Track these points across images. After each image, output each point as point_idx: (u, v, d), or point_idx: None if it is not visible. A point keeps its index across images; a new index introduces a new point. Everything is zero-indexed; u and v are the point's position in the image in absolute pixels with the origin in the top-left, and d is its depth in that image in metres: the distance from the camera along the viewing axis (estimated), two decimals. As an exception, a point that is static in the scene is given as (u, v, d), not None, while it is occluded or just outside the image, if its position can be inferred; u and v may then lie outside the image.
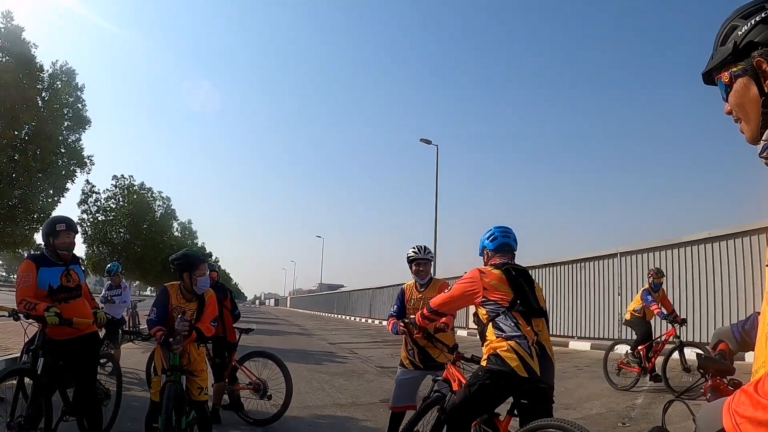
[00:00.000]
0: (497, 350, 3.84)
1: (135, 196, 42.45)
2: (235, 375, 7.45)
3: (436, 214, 36.16)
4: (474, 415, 3.99)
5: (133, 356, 10.97)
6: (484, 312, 4.10)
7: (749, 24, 1.42)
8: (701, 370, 2.08)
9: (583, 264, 19.23)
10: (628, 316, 11.02)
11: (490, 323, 4.01)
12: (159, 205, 45.94)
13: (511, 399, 3.96)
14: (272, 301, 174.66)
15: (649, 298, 10.37)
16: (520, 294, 4.04)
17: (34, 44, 16.51)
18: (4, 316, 5.20)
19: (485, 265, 4.47)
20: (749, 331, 2.22)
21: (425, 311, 4.66)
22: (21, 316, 4.99)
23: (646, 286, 10.71)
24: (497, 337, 3.90)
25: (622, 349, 10.96)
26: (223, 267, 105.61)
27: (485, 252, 4.58)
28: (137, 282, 50.04)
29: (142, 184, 44.58)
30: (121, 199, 42.32)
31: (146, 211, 42.90)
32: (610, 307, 17.51)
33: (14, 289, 5.40)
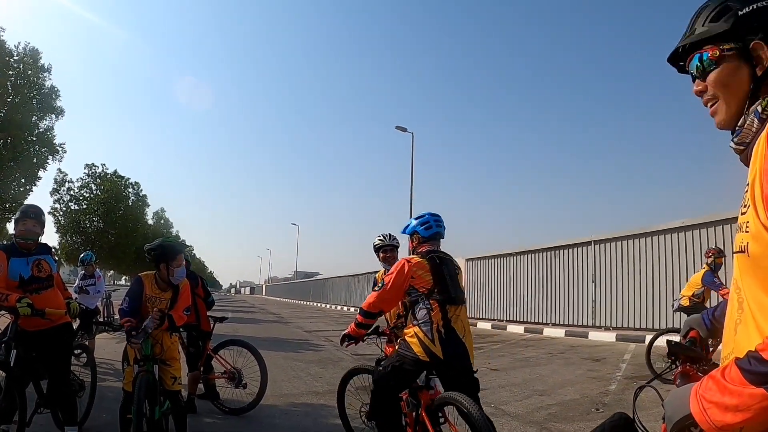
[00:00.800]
0: (405, 336, 4.35)
1: (108, 184, 42.09)
2: (209, 364, 7.43)
3: (411, 201, 36.24)
4: (392, 390, 4.42)
5: (108, 347, 10.90)
6: (409, 298, 4.48)
7: (750, 7, 1.42)
8: (672, 357, 2.10)
9: (557, 252, 19.37)
10: (685, 302, 9.82)
11: (411, 309, 4.49)
12: (130, 192, 45.56)
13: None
14: (248, 289, 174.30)
15: (716, 281, 9.35)
16: (440, 282, 4.38)
17: (1, 27, 16.24)
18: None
19: (413, 249, 4.80)
20: (719, 318, 2.25)
21: (358, 318, 4.69)
22: (-8, 307, 4.94)
23: (705, 267, 9.65)
24: (410, 323, 4.43)
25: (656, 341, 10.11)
26: (197, 255, 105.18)
27: (416, 237, 4.76)
28: (111, 271, 49.86)
29: (115, 171, 44.25)
30: (94, 187, 41.94)
31: (119, 199, 42.58)
32: (585, 294, 17.67)
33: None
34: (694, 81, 1.61)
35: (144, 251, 5.51)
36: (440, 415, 4.31)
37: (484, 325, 20.91)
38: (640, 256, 15.73)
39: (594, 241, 17.56)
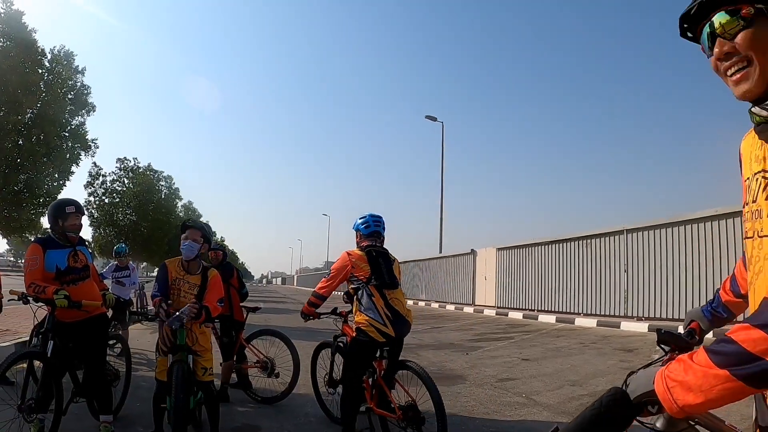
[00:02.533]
0: (360, 326, 5.25)
1: (141, 178, 42.44)
2: (243, 353, 7.50)
3: (442, 191, 36.21)
4: (359, 370, 5.34)
5: (142, 337, 11.03)
6: (352, 286, 5.49)
7: None
8: (661, 345, 2.10)
9: (589, 241, 19.10)
10: None
11: (355, 296, 5.44)
12: (162, 185, 45.86)
13: None
14: (279, 279, 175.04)
15: None
16: (375, 270, 5.36)
17: (34, 29, 16.50)
18: (14, 299, 5.25)
19: (357, 244, 5.78)
20: (718, 310, 2.26)
21: (311, 298, 5.89)
22: (30, 299, 5.03)
23: None
24: (358, 310, 5.35)
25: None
26: (230, 247, 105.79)
27: (358, 234, 5.82)
28: (144, 263, 50.19)
29: (149, 165, 44.59)
30: (126, 181, 42.33)
31: (152, 193, 42.90)
32: (617, 284, 17.46)
33: (22, 274, 5.43)
34: (712, 43, 1.49)
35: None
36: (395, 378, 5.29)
37: (516, 315, 20.81)
38: (672, 245, 15.49)
39: (626, 230, 17.29)
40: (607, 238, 18.25)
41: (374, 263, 5.41)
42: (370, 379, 5.43)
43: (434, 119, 36.52)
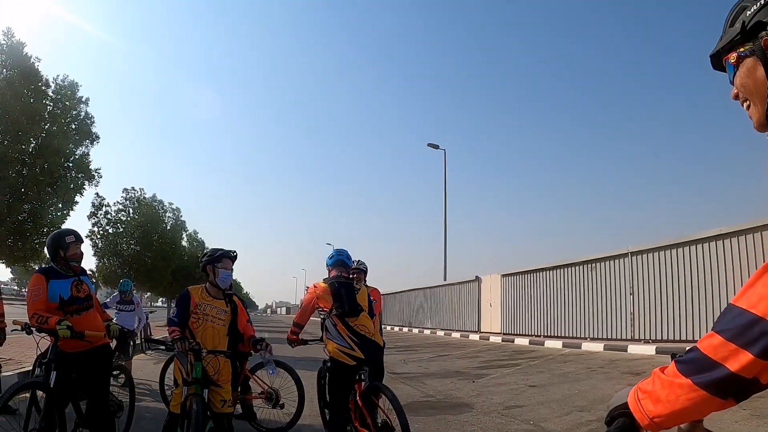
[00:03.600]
0: (331, 354, 5.75)
1: (146, 209, 42.48)
2: (247, 384, 7.45)
3: (446, 219, 36.23)
4: (341, 393, 5.71)
5: (146, 367, 10.99)
6: (319, 316, 6.10)
7: (758, 4, 1.37)
8: None
9: (594, 264, 19.10)
10: None
11: (323, 325, 5.98)
12: (169, 217, 45.88)
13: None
14: (283, 309, 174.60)
15: None
16: (337, 301, 5.81)
17: (37, 58, 16.63)
18: (17, 330, 5.23)
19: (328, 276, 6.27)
20: None
21: (292, 327, 6.58)
22: (33, 329, 5.00)
23: None
24: (327, 338, 5.87)
25: None
26: (234, 276, 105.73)
27: (328, 268, 6.40)
28: (148, 293, 50.10)
29: (154, 195, 44.64)
30: (131, 211, 42.36)
31: (157, 223, 42.90)
32: (623, 307, 17.40)
33: (26, 303, 5.42)
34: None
35: (179, 269, 5.62)
36: (372, 398, 5.64)
37: (522, 341, 20.71)
38: (677, 266, 15.46)
39: (630, 252, 17.28)
40: (611, 262, 18.25)
41: (336, 294, 5.88)
42: (354, 400, 5.77)
43: (436, 147, 36.67)
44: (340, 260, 6.33)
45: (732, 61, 1.45)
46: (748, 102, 1.44)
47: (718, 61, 1.53)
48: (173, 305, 5.47)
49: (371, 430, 5.47)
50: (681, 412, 1.29)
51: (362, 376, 5.67)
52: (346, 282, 6.08)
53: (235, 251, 5.74)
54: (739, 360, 1.19)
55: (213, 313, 5.31)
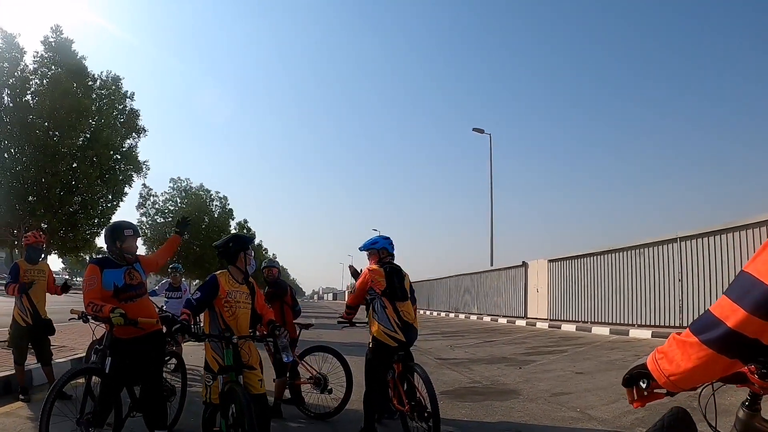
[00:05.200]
0: (374, 334, 6.14)
1: (193, 197, 43.03)
2: (296, 370, 7.50)
3: (492, 204, 36.03)
4: (379, 372, 6.12)
5: (195, 354, 11.13)
6: (368, 297, 6.32)
7: None
8: None
9: (642, 250, 18.81)
10: None
11: (371, 305, 6.26)
12: (216, 205, 46.42)
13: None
14: (330, 295, 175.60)
15: None
16: (390, 284, 6.19)
17: (84, 56, 16.90)
18: (74, 318, 5.36)
19: (373, 262, 6.57)
20: None
21: (345, 309, 6.96)
22: (90, 318, 5.13)
23: None
24: (374, 319, 6.19)
25: None
26: (281, 263, 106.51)
27: (372, 252, 6.66)
28: (197, 281, 50.73)
29: (201, 185, 45.23)
30: (179, 200, 42.97)
31: (204, 211, 43.43)
32: (671, 294, 17.13)
33: (77, 291, 5.56)
34: None
35: (215, 247, 5.58)
36: (409, 378, 5.97)
37: (569, 327, 20.56)
38: (727, 252, 15.13)
39: (679, 237, 16.97)
40: (660, 247, 17.95)
41: (389, 278, 6.25)
42: (393, 379, 6.12)
43: (482, 131, 36.42)
44: (384, 246, 6.63)
45: None
46: None
47: None
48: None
49: (406, 408, 5.78)
50: (693, 370, 1.34)
51: (399, 357, 6.04)
52: (396, 267, 6.45)
53: (251, 235, 5.75)
54: (736, 316, 1.24)
55: (242, 299, 5.31)
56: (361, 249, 6.83)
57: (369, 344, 6.38)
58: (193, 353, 11.60)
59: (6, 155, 14.67)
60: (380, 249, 6.63)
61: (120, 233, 5.46)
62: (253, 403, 4.72)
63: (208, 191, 45.62)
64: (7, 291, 7.92)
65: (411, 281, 6.67)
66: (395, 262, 6.68)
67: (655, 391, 1.53)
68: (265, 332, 5.70)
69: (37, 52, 15.83)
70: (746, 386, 2.53)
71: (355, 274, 7.12)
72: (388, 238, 6.77)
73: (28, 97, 15.41)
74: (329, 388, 7.26)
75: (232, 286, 5.29)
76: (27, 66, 15.52)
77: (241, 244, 5.43)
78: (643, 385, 1.53)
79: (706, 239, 15.99)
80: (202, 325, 5.47)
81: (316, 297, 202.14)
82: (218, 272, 5.40)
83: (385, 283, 6.21)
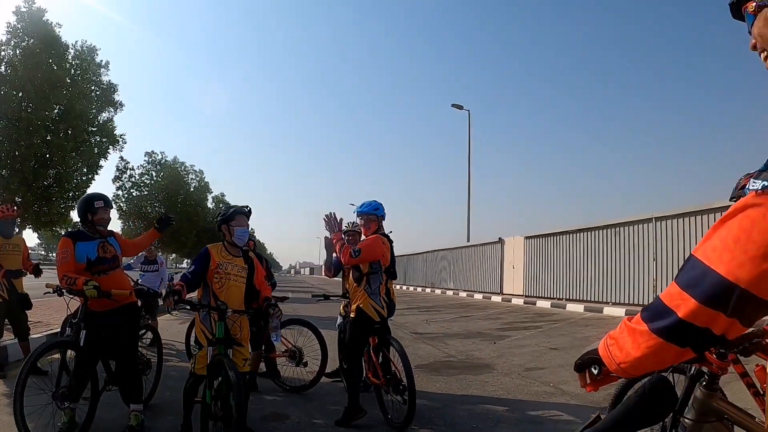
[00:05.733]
0: (361, 306, 5.90)
1: (169, 170, 42.78)
2: (271, 343, 7.53)
3: (469, 180, 36.11)
4: (360, 345, 5.97)
5: (171, 328, 11.17)
6: (368, 271, 5.96)
7: None
8: None
9: (617, 229, 18.99)
10: None
11: (365, 277, 5.95)
12: (192, 179, 46.18)
13: None
14: (307, 270, 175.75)
15: None
16: (392, 261, 6.13)
17: (57, 24, 16.69)
18: (49, 292, 5.34)
19: (375, 230, 6.16)
20: None
21: (346, 248, 5.88)
22: (64, 291, 5.11)
23: None
24: (364, 291, 5.93)
25: None
26: (258, 238, 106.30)
27: (376, 218, 6.19)
28: (173, 255, 50.67)
29: (175, 158, 44.90)
30: (154, 174, 42.70)
31: (180, 185, 43.22)
32: (646, 273, 17.32)
33: (54, 267, 5.53)
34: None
35: (207, 229, 5.55)
36: (384, 351, 6.05)
37: (543, 304, 20.73)
38: (701, 233, 15.25)
39: (655, 218, 17.13)
40: (635, 226, 18.10)
41: (392, 255, 6.16)
42: (368, 353, 6.09)
43: (460, 108, 36.34)
44: (383, 215, 6.33)
45: (751, 10, 1.41)
46: (766, 53, 1.41)
47: (737, 10, 1.50)
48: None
49: (381, 381, 5.86)
50: (643, 358, 1.33)
51: (375, 331, 5.98)
52: (392, 243, 6.32)
53: (248, 207, 5.63)
54: (686, 306, 1.23)
55: (234, 271, 5.19)
56: (359, 211, 6.26)
57: (348, 316, 6.37)
58: (170, 327, 11.59)
59: (-22, 127, 14.50)
60: (381, 216, 6.25)
61: (91, 205, 5.42)
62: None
63: (183, 164, 45.30)
64: None
65: None
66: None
67: (608, 375, 1.53)
68: (262, 308, 5.46)
69: (9, 23, 15.61)
70: (704, 365, 2.58)
71: (349, 231, 7.08)
72: (381, 206, 6.34)
73: (1, 68, 15.24)
74: (304, 361, 7.28)
75: (224, 257, 5.19)
76: (-2, 37, 15.31)
77: (224, 218, 5.32)
78: (595, 371, 1.53)
79: (680, 220, 16.15)
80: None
81: (293, 272, 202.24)
82: (211, 244, 5.34)
83: (389, 259, 6.10)
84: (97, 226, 5.44)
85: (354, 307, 6.03)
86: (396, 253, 6.49)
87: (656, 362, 1.34)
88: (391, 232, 6.39)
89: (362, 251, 5.79)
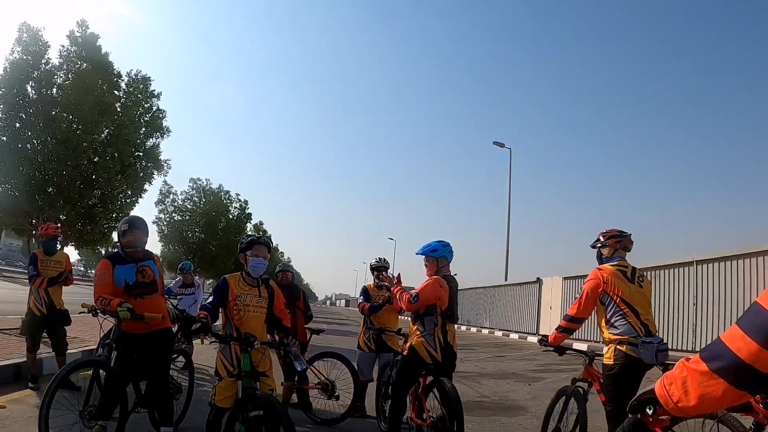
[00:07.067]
0: (413, 344, 5.72)
1: (211, 198, 43.29)
2: (304, 374, 7.50)
3: (509, 219, 35.97)
4: (407, 383, 5.82)
5: (205, 352, 11.20)
6: (424, 313, 5.75)
7: None
8: None
9: (657, 272, 18.60)
10: None
11: (421, 318, 5.75)
12: (235, 207, 46.65)
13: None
14: (342, 301, 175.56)
15: None
16: (452, 305, 5.76)
17: (108, 52, 17.06)
18: (84, 312, 5.38)
19: (435, 271, 5.89)
20: None
21: (406, 296, 5.93)
22: (99, 311, 5.14)
23: None
24: (418, 331, 5.73)
25: None
26: (295, 268, 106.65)
27: (437, 260, 5.91)
28: (210, 280, 51.02)
29: (220, 186, 45.46)
30: (197, 199, 43.24)
31: (222, 212, 43.68)
32: (685, 317, 16.98)
33: (91, 284, 5.60)
34: None
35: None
36: (432, 393, 5.75)
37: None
38: (744, 278, 14.90)
39: (696, 261, 16.83)
40: (675, 270, 17.77)
41: (452, 298, 5.78)
42: (414, 392, 5.91)
43: (502, 145, 36.34)
44: (444, 255, 5.96)
45: None
46: None
47: None
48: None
49: (426, 423, 5.61)
50: (702, 398, 1.30)
51: (429, 371, 5.75)
52: (456, 284, 5.98)
53: (266, 238, 5.57)
54: (748, 349, 1.21)
55: (253, 302, 5.08)
56: (418, 253, 6.06)
57: (402, 352, 6.20)
58: (203, 352, 11.63)
59: (29, 146, 14.81)
60: (439, 258, 5.91)
61: (119, 228, 5.55)
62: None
63: (228, 192, 45.82)
64: (33, 284, 7.95)
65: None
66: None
67: (660, 417, 1.50)
68: (279, 336, 5.38)
69: (63, 46, 15.98)
70: (750, 415, 2.51)
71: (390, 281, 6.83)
72: (447, 245, 6.04)
73: (53, 90, 15.57)
74: (336, 394, 7.24)
75: (242, 289, 5.09)
76: (51, 60, 15.65)
77: (243, 247, 5.25)
78: (649, 412, 1.50)
79: (722, 264, 15.80)
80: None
81: (328, 303, 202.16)
82: (230, 275, 5.23)
83: (447, 303, 5.71)
84: (125, 248, 5.48)
85: (407, 345, 5.93)
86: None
87: (713, 403, 1.31)
88: (455, 274, 6.07)
89: (420, 297, 5.67)
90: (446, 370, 5.72)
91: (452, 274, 6.00)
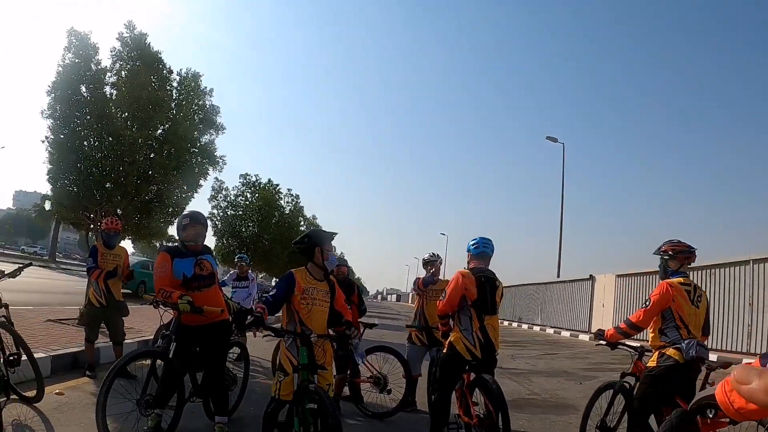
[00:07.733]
0: (452, 340, 5.76)
1: (263, 192, 43.60)
2: (356, 368, 7.54)
3: (562, 215, 35.49)
4: (448, 379, 5.81)
5: (258, 344, 11.33)
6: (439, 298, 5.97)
7: None
8: None
9: (711, 270, 18.17)
10: None
11: (456, 313, 5.81)
12: (287, 202, 46.87)
13: None
14: (394, 296, 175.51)
15: None
16: (481, 296, 5.71)
17: (158, 51, 17.35)
18: (145, 303, 5.53)
19: (468, 264, 6.11)
20: None
21: (440, 321, 6.38)
22: (159, 303, 5.28)
23: None
24: (455, 326, 5.81)
25: None
26: (349, 262, 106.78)
27: (469, 255, 6.14)
28: (263, 274, 51.40)
29: (269, 180, 45.75)
30: (249, 195, 43.57)
31: (274, 207, 43.93)
32: (740, 318, 16.58)
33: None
34: None
35: (293, 244, 5.48)
36: (476, 389, 5.69)
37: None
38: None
39: (753, 260, 16.42)
40: (731, 268, 17.28)
41: (481, 288, 5.74)
42: (460, 389, 5.91)
43: (555, 140, 35.92)
44: (483, 252, 6.07)
45: None
46: None
47: None
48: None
49: (473, 421, 5.60)
50: (765, 404, 1.25)
51: (472, 367, 5.73)
52: (491, 276, 5.94)
53: (336, 232, 5.68)
54: None
55: (320, 296, 5.11)
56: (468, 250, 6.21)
57: (443, 349, 6.12)
58: (256, 344, 11.80)
59: (86, 143, 15.16)
60: (477, 254, 6.06)
61: (179, 222, 5.70)
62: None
63: (277, 185, 46.08)
64: (92, 276, 8.22)
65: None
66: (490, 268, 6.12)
67: (720, 419, 1.51)
68: (342, 330, 5.39)
69: (114, 48, 16.33)
70: None
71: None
72: (489, 243, 6.16)
73: (107, 89, 15.92)
74: (388, 388, 7.27)
75: (309, 282, 5.10)
76: (100, 61, 15.98)
77: (317, 240, 5.21)
78: (710, 415, 1.51)
79: (782, 262, 15.44)
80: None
81: (380, 297, 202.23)
82: (295, 269, 5.22)
83: (476, 293, 5.69)
84: (186, 242, 5.62)
85: (447, 341, 5.91)
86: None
87: None
88: (482, 267, 6.02)
89: (446, 295, 5.85)
90: (487, 366, 5.69)
91: (487, 268, 6.04)
